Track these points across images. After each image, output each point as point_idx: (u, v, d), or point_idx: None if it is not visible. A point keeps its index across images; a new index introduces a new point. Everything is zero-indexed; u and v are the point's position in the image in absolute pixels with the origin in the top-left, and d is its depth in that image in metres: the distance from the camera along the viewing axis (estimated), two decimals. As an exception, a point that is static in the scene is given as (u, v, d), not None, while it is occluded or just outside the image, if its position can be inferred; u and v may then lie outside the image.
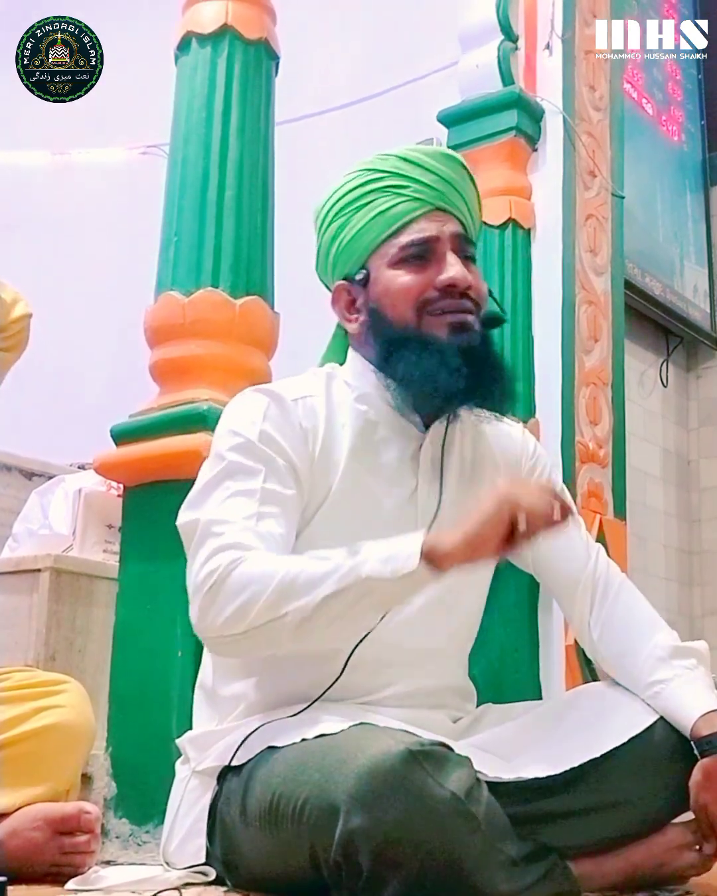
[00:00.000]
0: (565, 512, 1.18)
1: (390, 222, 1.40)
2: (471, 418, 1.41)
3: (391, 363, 1.38)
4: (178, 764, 1.40)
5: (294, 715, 1.25)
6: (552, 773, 1.23)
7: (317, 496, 1.35)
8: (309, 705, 1.26)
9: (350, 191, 1.43)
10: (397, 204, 1.40)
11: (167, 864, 1.32)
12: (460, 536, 1.14)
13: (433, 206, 1.40)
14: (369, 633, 1.25)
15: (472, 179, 1.46)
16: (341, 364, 1.49)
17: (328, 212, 1.45)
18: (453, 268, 1.38)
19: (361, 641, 1.26)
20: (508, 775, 1.20)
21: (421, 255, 1.39)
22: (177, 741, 1.41)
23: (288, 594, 1.18)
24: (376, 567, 1.15)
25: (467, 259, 1.42)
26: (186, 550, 1.31)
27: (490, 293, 1.44)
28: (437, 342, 1.35)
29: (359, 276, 1.42)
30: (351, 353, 1.47)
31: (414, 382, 1.35)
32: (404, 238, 1.39)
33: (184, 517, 1.32)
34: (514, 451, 1.51)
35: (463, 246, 1.41)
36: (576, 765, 1.24)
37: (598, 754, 1.24)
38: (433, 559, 1.14)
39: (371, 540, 1.31)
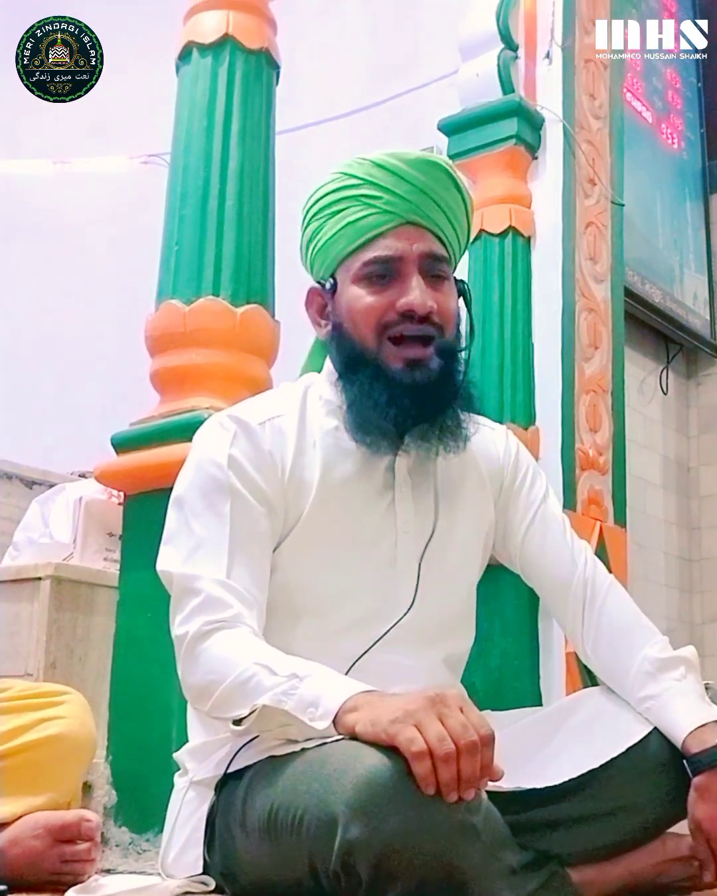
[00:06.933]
0: (486, 773, 1.03)
1: (357, 235, 1.33)
2: (450, 425, 1.36)
3: (346, 383, 1.35)
4: (176, 776, 1.39)
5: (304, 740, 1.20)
6: (551, 784, 1.23)
7: (290, 520, 1.33)
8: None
9: (326, 195, 1.38)
10: (366, 216, 1.33)
11: (166, 875, 1.32)
12: (370, 726, 1.07)
13: (404, 220, 1.33)
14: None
15: (458, 187, 1.37)
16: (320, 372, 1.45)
17: (307, 213, 1.41)
18: (414, 292, 1.30)
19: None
20: (507, 785, 1.20)
21: (384, 274, 1.32)
22: (174, 755, 1.39)
23: (234, 699, 1.17)
24: (297, 706, 1.12)
25: (437, 278, 1.34)
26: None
27: (468, 313, 1.37)
28: (391, 374, 1.32)
29: (328, 285, 1.38)
30: (327, 360, 1.43)
31: (362, 410, 1.32)
32: (369, 254, 1.33)
33: (160, 564, 1.30)
34: (497, 459, 1.48)
35: (432, 265, 1.34)
36: (574, 776, 1.23)
37: (596, 765, 1.24)
38: (339, 724, 1.10)
39: (350, 558, 1.33)
